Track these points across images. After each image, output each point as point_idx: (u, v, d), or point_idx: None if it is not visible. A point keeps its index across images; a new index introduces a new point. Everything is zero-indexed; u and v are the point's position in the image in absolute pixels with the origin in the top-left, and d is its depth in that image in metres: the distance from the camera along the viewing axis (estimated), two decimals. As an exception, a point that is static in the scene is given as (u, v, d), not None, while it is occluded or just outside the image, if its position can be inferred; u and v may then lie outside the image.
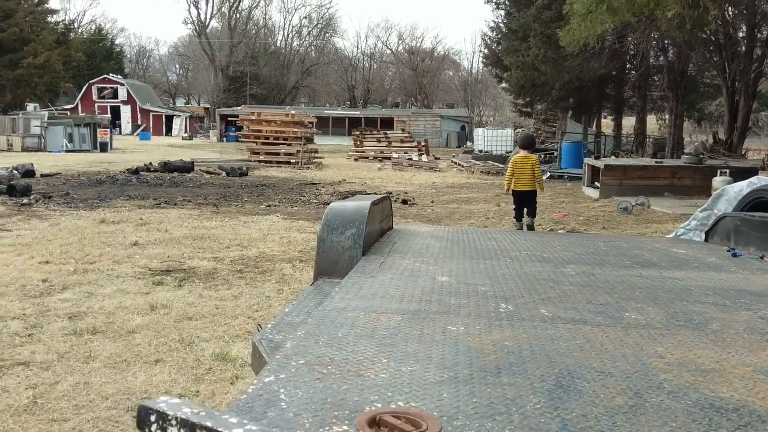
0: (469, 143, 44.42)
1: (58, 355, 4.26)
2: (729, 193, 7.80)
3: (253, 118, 22.03)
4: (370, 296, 2.82)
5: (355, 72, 67.34)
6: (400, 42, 72.45)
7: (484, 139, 32.67)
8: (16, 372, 3.99)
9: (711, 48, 15.27)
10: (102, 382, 3.88)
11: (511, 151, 30.65)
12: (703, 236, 8.59)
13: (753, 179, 7.52)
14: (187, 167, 18.15)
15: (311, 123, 23.81)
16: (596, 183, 15.28)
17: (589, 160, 15.84)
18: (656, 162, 15.02)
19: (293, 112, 24.38)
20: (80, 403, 3.61)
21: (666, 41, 17.14)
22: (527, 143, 8.08)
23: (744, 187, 7.23)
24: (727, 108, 16.18)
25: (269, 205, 11.95)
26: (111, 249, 7.57)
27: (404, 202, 12.92)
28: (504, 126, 38.92)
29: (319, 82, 69.68)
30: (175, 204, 11.77)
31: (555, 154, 23.75)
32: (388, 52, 71.34)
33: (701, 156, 14.82)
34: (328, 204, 12.30)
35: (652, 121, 38.68)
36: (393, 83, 73.28)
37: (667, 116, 25.07)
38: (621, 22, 12.38)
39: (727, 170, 14.09)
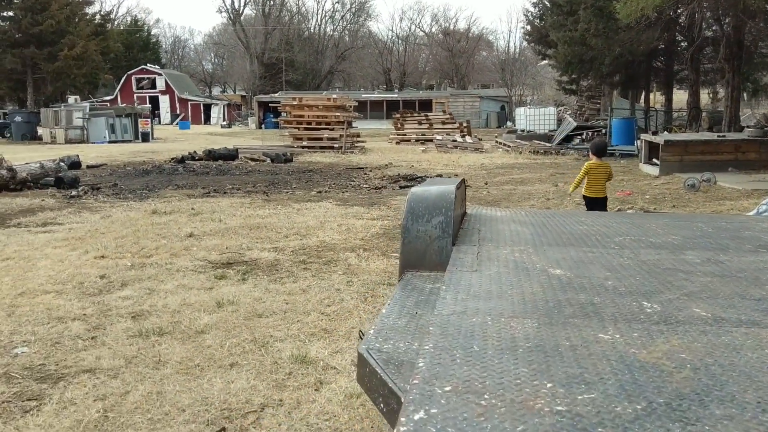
0: (509, 123, 43.51)
1: (125, 361, 3.93)
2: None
3: (294, 103, 21.68)
4: (485, 295, 2.42)
5: (390, 55, 66.57)
6: (434, 23, 71.42)
7: (526, 118, 31.83)
8: (83, 381, 3.67)
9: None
10: (176, 390, 3.53)
11: (554, 130, 29.82)
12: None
13: None
14: (231, 155, 17.91)
15: (352, 107, 23.38)
16: (654, 159, 14.55)
17: (646, 136, 15.08)
18: (718, 136, 14.20)
19: (335, 96, 23.98)
20: (155, 417, 3.26)
21: (720, 11, 16.15)
22: (600, 150, 7.57)
23: None
24: (797, 77, 15.22)
25: (320, 192, 11.59)
26: (167, 241, 7.27)
27: (458, 184, 12.40)
28: (546, 104, 37.92)
29: (354, 66, 69.18)
30: (224, 192, 11.48)
31: (603, 131, 22.91)
32: (421, 34, 70.40)
33: (766, 129, 13.94)
34: (379, 189, 11.88)
35: (703, 95, 37.28)
36: (427, 65, 72.31)
37: (720, 89, 23.93)
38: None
39: (798, 142, 13.25)
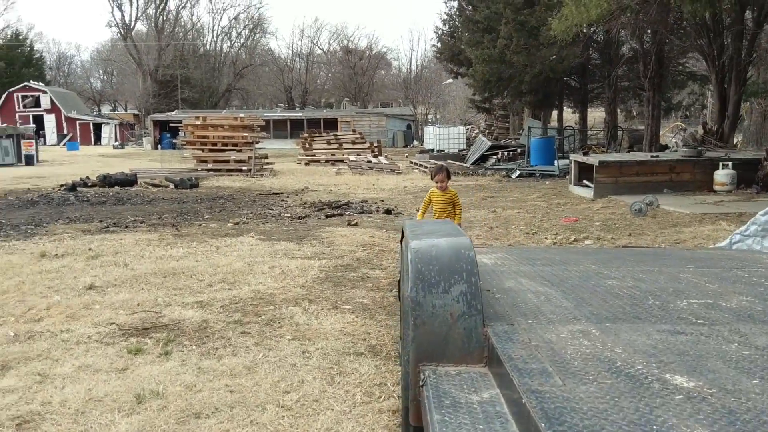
0: (416, 142, 43.33)
1: None
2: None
3: (198, 123, 20.10)
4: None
5: (291, 73, 65.27)
6: (333, 41, 70.87)
7: (435, 137, 31.57)
8: None
9: (696, 31, 14.46)
10: None
11: (464, 149, 29.67)
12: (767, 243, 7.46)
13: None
14: (129, 180, 16.14)
15: (260, 127, 22.05)
16: (585, 181, 14.27)
17: (576, 156, 14.81)
18: (652, 156, 14.11)
19: (241, 115, 22.55)
20: None
21: (643, 27, 16.27)
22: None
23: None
24: (717, 96, 15.45)
25: (237, 223, 10.30)
26: (60, 297, 5.83)
27: (388, 212, 11.50)
28: (453, 123, 37.95)
29: (253, 84, 67.40)
30: (126, 226, 9.95)
31: (519, 150, 22.82)
32: (319, 52, 69.61)
33: (700, 148, 13.98)
34: (303, 219, 10.47)
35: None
36: (326, 84, 71.57)
37: (634, 108, 24.49)
38: (618, 5, 11.29)
39: (729, 163, 13.31)
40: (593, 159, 13.94)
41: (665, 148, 19.33)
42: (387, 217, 11.17)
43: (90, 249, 7.98)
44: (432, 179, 6.74)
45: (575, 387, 2.33)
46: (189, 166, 20.70)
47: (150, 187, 15.84)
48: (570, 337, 2.88)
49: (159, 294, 5.94)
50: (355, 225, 10.08)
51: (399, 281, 5.21)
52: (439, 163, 5.62)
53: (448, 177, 6.75)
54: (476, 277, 3.05)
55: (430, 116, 50.56)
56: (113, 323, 5.10)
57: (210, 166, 19.54)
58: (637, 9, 11.98)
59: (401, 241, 4.97)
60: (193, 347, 4.59)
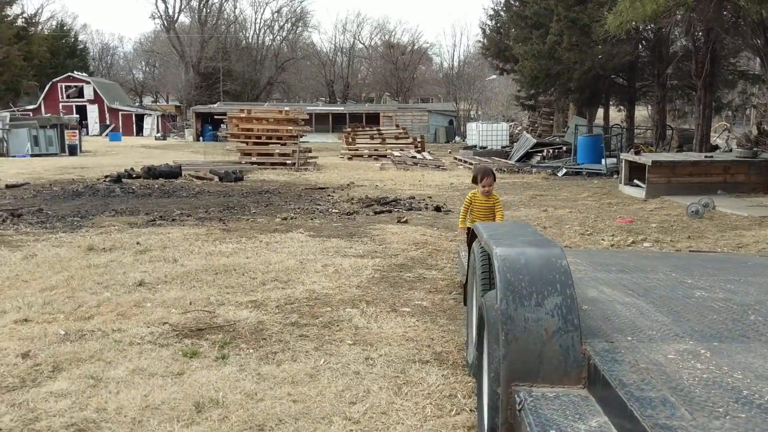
0: (458, 138, 42.84)
1: None
2: None
3: (242, 115, 20.04)
4: None
5: (333, 67, 65.25)
6: (376, 35, 70.64)
7: (478, 134, 31.09)
8: None
9: (752, 29, 13.80)
10: None
11: (507, 146, 29.14)
12: None
13: None
14: (174, 172, 16.13)
15: (304, 121, 21.93)
16: (636, 181, 13.75)
17: (627, 156, 14.28)
18: (706, 156, 13.53)
19: (286, 108, 22.45)
20: None
21: (694, 25, 15.63)
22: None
23: None
24: (774, 95, 14.77)
25: (285, 218, 10.11)
26: (110, 293, 5.68)
27: (437, 209, 11.18)
28: (496, 120, 37.39)
29: (294, 77, 67.55)
30: (173, 220, 9.85)
31: (564, 148, 22.25)
32: (361, 46, 69.43)
33: (755, 149, 13.36)
34: (351, 215, 10.12)
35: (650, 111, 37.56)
36: (367, 78, 71.36)
37: (683, 106, 23.71)
38: (674, 1, 10.79)
39: (787, 164, 12.67)
40: (645, 158, 13.41)
41: (715, 148, 18.60)
42: (437, 214, 10.86)
43: (138, 243, 7.86)
44: (476, 183, 5.93)
45: (707, 422, 2.04)
46: (232, 158, 20.68)
47: (194, 180, 15.82)
48: (679, 358, 2.56)
49: (211, 292, 5.75)
50: (405, 222, 9.80)
51: (464, 285, 4.92)
52: (484, 163, 5.12)
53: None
54: (571, 288, 2.74)
55: (472, 112, 49.95)
56: (166, 323, 4.91)
57: (254, 159, 19.47)
58: (693, 6, 11.43)
59: (469, 243, 4.69)
60: (251, 351, 4.37)
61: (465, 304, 4.86)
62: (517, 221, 4.42)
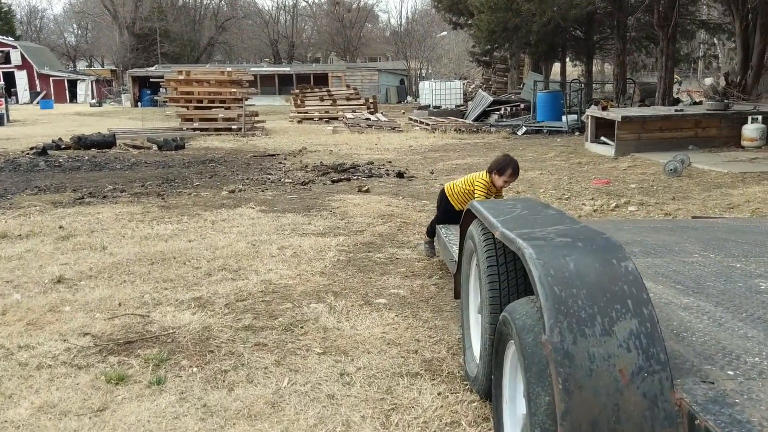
0: (409, 98, 41.84)
1: None
2: None
3: (181, 78, 18.60)
4: None
5: (276, 26, 62.86)
6: (320, -8, 68.14)
7: (431, 93, 30.13)
8: None
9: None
10: None
11: (462, 105, 28.34)
12: None
13: None
14: (108, 142, 14.75)
15: (249, 82, 20.61)
16: (604, 138, 13.14)
17: (594, 112, 13.64)
18: (676, 110, 12.98)
19: (229, 69, 21.04)
20: None
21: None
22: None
23: None
24: (740, 45, 14.30)
25: (232, 191, 9.09)
26: (21, 295, 4.66)
27: (400, 175, 10.32)
28: (449, 78, 36.45)
29: (236, 37, 64.92)
30: (104, 197, 8.71)
31: (522, 106, 21.58)
32: (304, 4, 67.01)
33: (726, 101, 12.87)
34: (307, 184, 8.91)
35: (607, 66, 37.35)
36: (313, 37, 69.13)
37: (641, 59, 23.26)
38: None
39: (759, 117, 12.23)
40: (614, 114, 12.78)
41: (677, 101, 18.20)
42: (400, 181, 10.00)
43: (60, 227, 6.76)
44: (498, 173, 4.92)
45: None
46: (173, 125, 19.29)
47: (131, 149, 14.51)
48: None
49: (146, 288, 4.78)
50: (367, 191, 8.92)
51: (456, 275, 4.10)
52: (505, 153, 4.36)
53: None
54: (649, 306, 1.92)
55: (423, 71, 48.80)
56: (87, 333, 3.95)
57: (196, 125, 18.15)
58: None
59: (464, 226, 3.84)
60: (194, 370, 3.46)
61: (456, 298, 4.04)
62: (528, 198, 3.53)
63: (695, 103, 16.59)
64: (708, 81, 37.33)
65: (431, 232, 5.46)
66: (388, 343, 3.80)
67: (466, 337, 3.50)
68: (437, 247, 5.55)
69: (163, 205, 8.05)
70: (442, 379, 3.36)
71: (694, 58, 24.38)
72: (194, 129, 17.86)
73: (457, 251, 4.30)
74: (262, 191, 9.10)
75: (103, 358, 3.63)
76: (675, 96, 17.85)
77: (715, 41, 22.57)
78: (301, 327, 4.05)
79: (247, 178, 10.23)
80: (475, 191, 5.08)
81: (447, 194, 5.33)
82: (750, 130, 12.12)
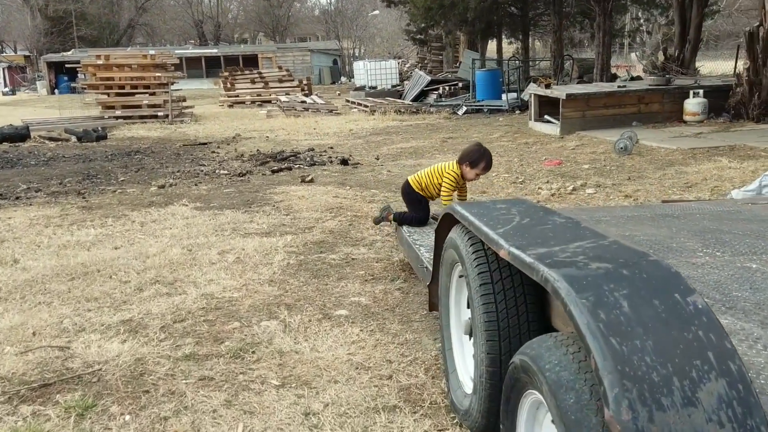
0: (344, 78, 41.05)
1: None
2: None
3: (99, 62, 17.33)
4: None
5: (200, 6, 60.50)
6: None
7: (366, 73, 29.53)
8: None
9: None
10: None
11: (398, 85, 27.87)
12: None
13: None
14: (21, 134, 13.52)
15: (174, 66, 19.49)
16: (548, 116, 12.91)
17: (537, 90, 13.39)
18: (619, 86, 12.86)
19: (152, 52, 19.81)
20: None
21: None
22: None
23: None
24: (678, 19, 14.31)
25: (162, 186, 8.33)
26: None
27: (344, 162, 9.75)
28: (383, 58, 35.84)
29: (158, 19, 62.12)
30: (16, 198, 7.81)
31: (460, 85, 21.26)
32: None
33: (668, 76, 12.82)
34: (244, 176, 8.06)
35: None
36: (240, 17, 66.97)
37: (575, 35, 23.26)
38: None
39: (701, 91, 12.23)
40: (559, 92, 12.55)
41: (615, 77, 18.24)
42: (344, 169, 9.43)
43: (-36, 237, 5.92)
44: (470, 165, 4.49)
45: None
46: (93, 113, 18.03)
47: (47, 142, 13.36)
48: None
49: (65, 311, 4.10)
50: (311, 182, 8.32)
51: (430, 286, 3.60)
52: (477, 142, 4.00)
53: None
54: (737, 360, 1.48)
55: (356, 51, 47.94)
56: (-7, 375, 3.28)
57: (119, 113, 16.98)
58: None
59: (441, 230, 3.33)
60: (126, 418, 2.87)
61: (430, 310, 3.56)
62: (520, 199, 2.97)
63: (634, 78, 16.61)
64: (633, 56, 38.08)
65: (399, 220, 4.77)
66: (357, 368, 3.29)
67: (448, 358, 3.02)
68: (398, 244, 5.06)
69: (84, 206, 7.24)
70: (424, 411, 2.88)
71: (627, 32, 24.60)
72: (117, 117, 16.71)
73: (429, 257, 3.82)
74: (196, 185, 8.37)
75: (14, 408, 2.98)
76: (612, 72, 17.86)
77: (648, 15, 22.78)
78: (253, 352, 3.48)
79: (178, 171, 9.44)
80: (443, 184, 4.58)
81: (410, 183, 4.77)
82: (692, 104, 12.11)
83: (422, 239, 4.31)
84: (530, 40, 25.49)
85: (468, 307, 2.98)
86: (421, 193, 4.69)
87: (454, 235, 2.85)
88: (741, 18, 33.56)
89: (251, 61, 38.03)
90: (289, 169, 9.25)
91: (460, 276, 2.98)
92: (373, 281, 4.59)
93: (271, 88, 23.81)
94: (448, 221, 3.01)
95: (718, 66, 21.34)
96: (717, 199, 6.30)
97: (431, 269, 3.46)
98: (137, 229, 6.14)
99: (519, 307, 2.45)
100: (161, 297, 4.32)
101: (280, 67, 28.18)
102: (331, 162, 9.93)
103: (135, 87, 17.42)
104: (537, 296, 2.44)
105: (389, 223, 4.87)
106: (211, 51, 42.78)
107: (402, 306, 4.14)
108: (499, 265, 2.48)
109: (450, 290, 3.07)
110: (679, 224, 4.03)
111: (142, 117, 16.83)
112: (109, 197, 7.73)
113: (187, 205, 7.10)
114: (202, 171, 9.38)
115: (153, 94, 17.36)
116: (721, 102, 12.35)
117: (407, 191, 4.76)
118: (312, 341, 3.61)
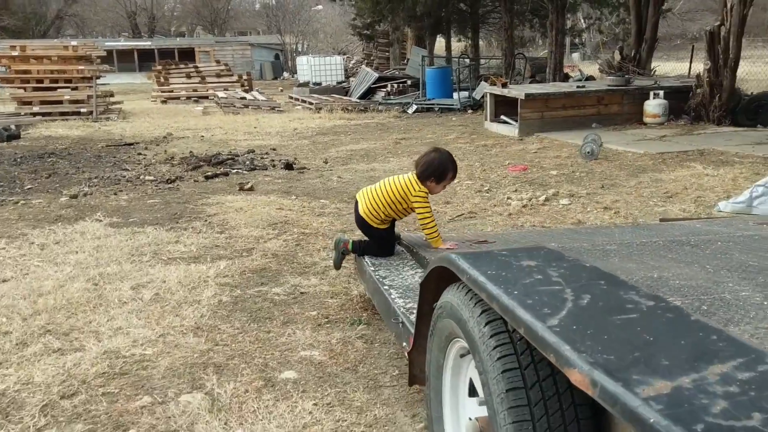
0: (286, 74, 39.77)
1: None
2: None
3: (15, 54, 15.71)
4: None
5: (134, -4, 57.83)
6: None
7: (310, 68, 28.45)
8: None
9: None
10: None
11: (343, 81, 26.94)
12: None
13: None
14: None
15: (100, 58, 17.98)
16: (504, 117, 12.22)
17: (494, 89, 12.67)
18: (578, 87, 12.25)
19: (74, 43, 18.22)
20: None
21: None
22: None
23: None
24: (634, 17, 13.84)
25: (74, 196, 7.16)
26: None
27: (289, 166, 8.75)
28: (327, 53, 34.75)
29: (89, 10, 59.17)
30: None
31: (409, 82, 20.45)
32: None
33: (627, 77, 12.30)
34: (173, 182, 6.79)
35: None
36: (176, 9, 64.54)
37: (524, 33, 22.82)
38: None
39: (661, 92, 11.75)
40: (517, 92, 11.86)
41: (567, 77, 17.77)
42: (289, 174, 8.43)
43: None
44: (437, 178, 3.62)
45: None
46: (9, 109, 16.40)
47: (-50, 141, 11.82)
48: None
49: None
50: (251, 190, 7.30)
51: (409, 353, 2.71)
52: (435, 148, 3.32)
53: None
54: None
55: (299, 46, 46.60)
56: None
57: (36, 109, 15.43)
58: None
59: (430, 287, 2.42)
60: None
61: (411, 385, 2.65)
62: (545, 248, 1.96)
63: (588, 78, 16.13)
64: (575, 56, 38.14)
65: (360, 251, 3.84)
66: (313, 473, 2.36)
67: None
68: (358, 277, 4.15)
69: (-25, 222, 6.04)
70: None
71: (578, 31, 24.34)
72: (34, 114, 15.16)
73: (405, 306, 2.91)
74: (115, 194, 7.23)
75: None
76: (565, 73, 17.36)
77: (599, 14, 22.55)
78: (170, 445, 2.51)
79: (96, 177, 8.24)
80: (417, 212, 3.67)
81: (366, 219, 3.79)
82: (652, 106, 11.62)
83: (392, 276, 3.41)
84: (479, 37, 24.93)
85: (471, 396, 2.11)
86: (381, 227, 3.76)
87: (455, 300, 1.96)
88: (675, 20, 34.01)
89: (188, 55, 36.29)
90: (226, 174, 8.19)
91: (462, 356, 2.10)
92: (328, 326, 3.66)
93: (209, 83, 22.48)
94: (441, 275, 2.12)
95: (670, 67, 21.21)
96: (716, 216, 5.63)
97: (411, 329, 2.56)
98: (35, 253, 5.02)
99: (568, 427, 1.59)
100: (50, 356, 3.28)
101: (218, 62, 26.78)
102: (274, 166, 8.90)
103: (55, 81, 15.88)
104: (594, 413, 1.58)
105: (350, 253, 3.93)
106: (145, 43, 40.75)
107: (366, 363, 3.23)
108: (533, 359, 1.61)
109: (444, 372, 2.18)
110: (706, 257, 3.24)
111: (63, 114, 15.33)
112: (9, 211, 6.53)
113: (101, 221, 5.99)
114: (125, 177, 8.22)
115: (75, 88, 15.86)
116: (681, 103, 11.92)
117: (363, 224, 3.82)
118: (249, 426, 2.66)
